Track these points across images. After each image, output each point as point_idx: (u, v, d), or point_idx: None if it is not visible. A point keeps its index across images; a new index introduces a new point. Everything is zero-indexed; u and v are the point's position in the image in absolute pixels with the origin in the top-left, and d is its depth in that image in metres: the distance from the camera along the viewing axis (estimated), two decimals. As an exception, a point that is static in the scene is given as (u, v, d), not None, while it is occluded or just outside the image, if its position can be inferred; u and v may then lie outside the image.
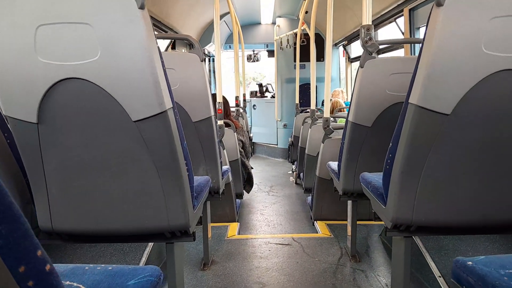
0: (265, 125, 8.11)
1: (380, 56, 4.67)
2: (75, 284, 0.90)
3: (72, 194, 1.39)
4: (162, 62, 1.26)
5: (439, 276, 1.91)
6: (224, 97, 3.77)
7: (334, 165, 2.60)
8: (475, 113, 1.25)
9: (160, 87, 1.21)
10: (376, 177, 1.76)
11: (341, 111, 4.91)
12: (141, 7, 1.14)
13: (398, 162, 1.36)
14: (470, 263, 0.91)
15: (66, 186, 1.38)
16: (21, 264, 0.46)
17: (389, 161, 1.45)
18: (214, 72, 7.90)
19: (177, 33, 5.18)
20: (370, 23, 2.05)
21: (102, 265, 1.00)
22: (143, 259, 2.15)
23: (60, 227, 1.44)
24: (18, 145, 1.34)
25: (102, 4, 1.14)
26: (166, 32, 4.78)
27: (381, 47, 4.52)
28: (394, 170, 1.40)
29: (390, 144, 1.44)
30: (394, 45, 4.18)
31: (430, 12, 1.21)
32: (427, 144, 1.29)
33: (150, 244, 2.25)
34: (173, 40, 5.47)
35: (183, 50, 5.85)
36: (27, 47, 1.17)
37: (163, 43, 5.35)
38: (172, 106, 1.29)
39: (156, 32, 1.25)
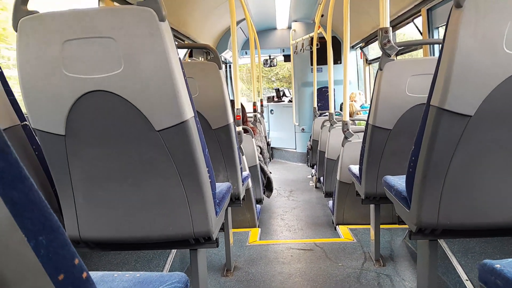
0: (283, 130, 8.11)
1: (398, 57, 4.63)
2: (105, 291, 0.92)
3: (98, 203, 1.43)
4: (183, 72, 1.29)
5: (466, 280, 1.87)
6: (241, 104, 3.80)
7: (355, 168, 2.58)
8: (499, 113, 1.23)
9: (181, 98, 1.23)
10: (399, 180, 1.74)
11: (357, 114, 4.88)
12: (162, 20, 1.17)
13: (421, 165, 1.35)
14: (498, 265, 0.89)
15: (92, 196, 1.42)
16: (61, 272, 0.48)
17: (412, 164, 1.43)
18: (231, 78, 7.97)
19: (194, 41, 5.25)
20: (388, 25, 2.05)
21: (131, 272, 1.02)
22: (167, 266, 2.18)
23: (87, 236, 1.47)
24: (46, 156, 1.38)
25: (125, 18, 1.17)
26: (183, 41, 4.86)
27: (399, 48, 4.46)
28: (417, 173, 1.38)
29: (413, 147, 1.42)
30: (412, 46, 4.12)
31: (450, 13, 1.20)
32: (450, 146, 1.28)
33: (174, 251, 2.28)
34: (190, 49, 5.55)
35: (200, 58, 5.92)
36: (54, 62, 1.22)
37: (181, 52, 5.43)
38: (193, 115, 1.31)
39: (176, 42, 1.28)
